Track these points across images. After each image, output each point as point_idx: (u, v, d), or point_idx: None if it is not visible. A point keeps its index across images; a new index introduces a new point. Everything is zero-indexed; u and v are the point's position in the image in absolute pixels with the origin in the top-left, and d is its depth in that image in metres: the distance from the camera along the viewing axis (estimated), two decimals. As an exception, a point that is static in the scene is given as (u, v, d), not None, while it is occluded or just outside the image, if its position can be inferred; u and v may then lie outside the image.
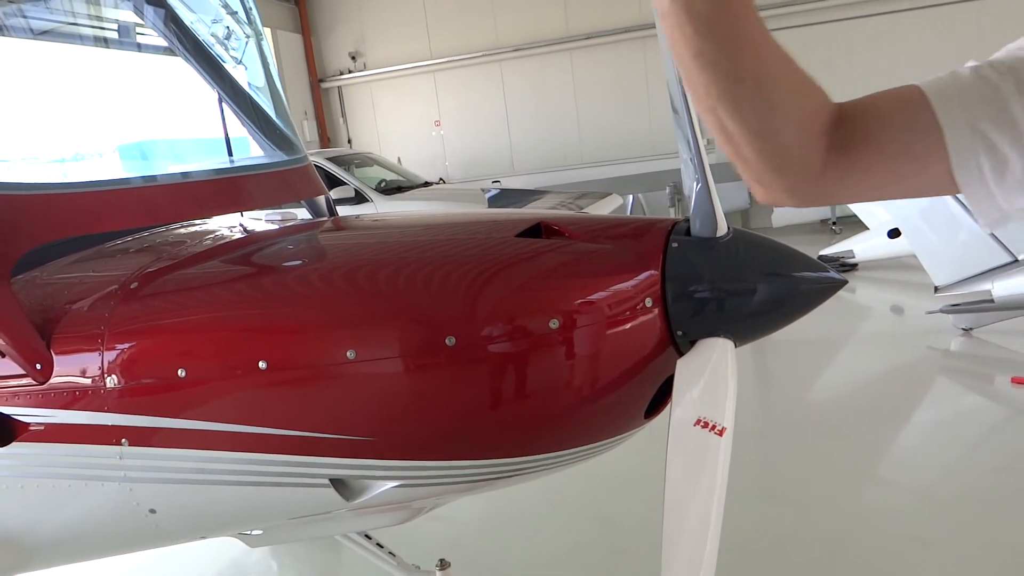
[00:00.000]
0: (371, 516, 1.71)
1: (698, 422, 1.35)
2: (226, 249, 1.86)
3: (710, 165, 1.42)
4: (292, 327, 1.50)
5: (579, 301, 1.40)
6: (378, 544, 2.26)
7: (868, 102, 0.85)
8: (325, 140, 15.01)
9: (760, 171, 0.83)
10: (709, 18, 0.73)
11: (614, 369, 1.43)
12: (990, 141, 0.79)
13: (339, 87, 15.18)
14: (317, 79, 15.04)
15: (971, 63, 0.83)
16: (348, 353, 1.41)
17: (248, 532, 1.88)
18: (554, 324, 1.37)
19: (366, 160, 9.86)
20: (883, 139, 0.83)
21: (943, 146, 0.80)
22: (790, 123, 0.80)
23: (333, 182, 8.25)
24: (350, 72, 14.90)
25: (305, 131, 14.19)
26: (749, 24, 0.75)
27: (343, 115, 15.29)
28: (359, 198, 8.30)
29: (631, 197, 9.42)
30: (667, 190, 9.39)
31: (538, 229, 1.57)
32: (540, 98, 13.61)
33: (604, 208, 7.47)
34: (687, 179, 1.42)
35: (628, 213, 9.06)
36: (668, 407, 1.46)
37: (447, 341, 1.38)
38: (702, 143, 1.48)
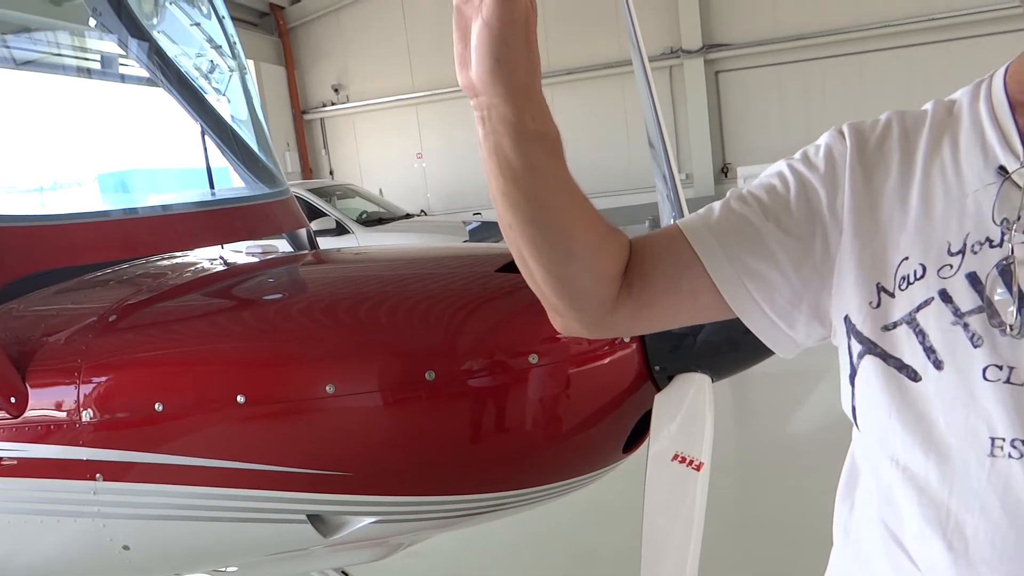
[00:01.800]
0: (348, 552, 1.70)
1: (676, 457, 1.36)
2: (206, 282, 1.85)
3: (687, 200, 1.44)
4: (271, 361, 1.49)
5: (558, 336, 1.41)
6: (355, 580, 2.23)
7: (644, 241, 0.88)
8: (307, 171, 15.04)
9: (556, 306, 0.86)
10: (517, 170, 0.74)
11: (593, 404, 1.44)
12: (750, 267, 0.81)
13: (322, 119, 15.26)
14: (300, 111, 15.12)
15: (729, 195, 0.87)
16: (327, 387, 1.41)
17: (223, 569, 1.85)
18: (533, 359, 1.38)
19: (347, 192, 9.88)
20: (656, 276, 0.85)
21: (709, 278, 0.82)
22: (588, 271, 0.82)
23: (314, 213, 8.25)
24: (333, 104, 15.00)
25: (287, 162, 14.23)
26: (556, 177, 0.77)
27: (325, 147, 15.35)
28: (340, 230, 8.31)
29: (610, 230, 9.47)
30: (646, 224, 9.48)
31: (518, 264, 1.59)
32: (521, 132, 13.75)
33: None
34: (664, 214, 1.45)
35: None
36: (646, 442, 1.47)
37: (427, 375, 1.38)
38: (678, 178, 1.51)
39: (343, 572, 2.19)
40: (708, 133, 13.21)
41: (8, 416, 1.59)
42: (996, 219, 0.68)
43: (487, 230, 8.20)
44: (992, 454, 0.64)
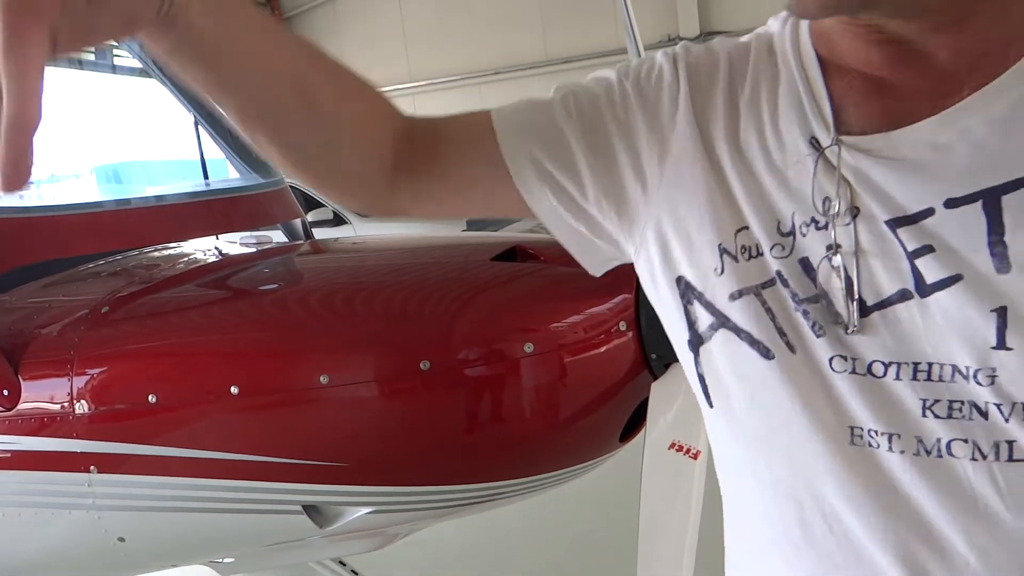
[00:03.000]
0: (345, 542, 1.70)
1: (672, 445, 1.36)
2: (199, 273, 1.84)
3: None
4: (265, 352, 1.48)
5: (554, 325, 1.40)
6: (353, 571, 2.23)
7: (441, 126, 0.81)
8: (304, 162, 15.00)
9: (327, 193, 0.79)
10: (214, 38, 0.63)
11: (589, 393, 1.43)
12: (547, 171, 0.75)
13: (318, 109, 15.22)
14: (296, 101, 15.07)
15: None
16: (321, 378, 1.40)
17: (220, 560, 1.85)
18: (529, 348, 1.37)
19: (344, 182, 9.84)
20: (452, 172, 0.80)
21: (513, 186, 0.76)
22: (348, 144, 0.75)
23: (311, 204, 8.23)
24: (329, 94, 14.95)
25: (283, 153, 14.19)
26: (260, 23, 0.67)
27: (322, 137, 15.32)
28: (337, 220, 8.29)
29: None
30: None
31: (513, 252, 1.58)
32: (519, 121, 13.74)
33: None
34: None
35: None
36: (643, 430, 1.47)
37: (422, 365, 1.37)
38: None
39: (340, 562, 2.19)
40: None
41: (1, 409, 1.58)
42: (816, 199, 0.63)
43: (484, 220, 8.18)
44: (852, 443, 0.60)
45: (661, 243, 0.72)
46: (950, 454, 0.57)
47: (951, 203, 0.57)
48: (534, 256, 1.56)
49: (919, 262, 0.58)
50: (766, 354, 0.64)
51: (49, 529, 1.63)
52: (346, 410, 1.43)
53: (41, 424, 1.58)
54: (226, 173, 2.52)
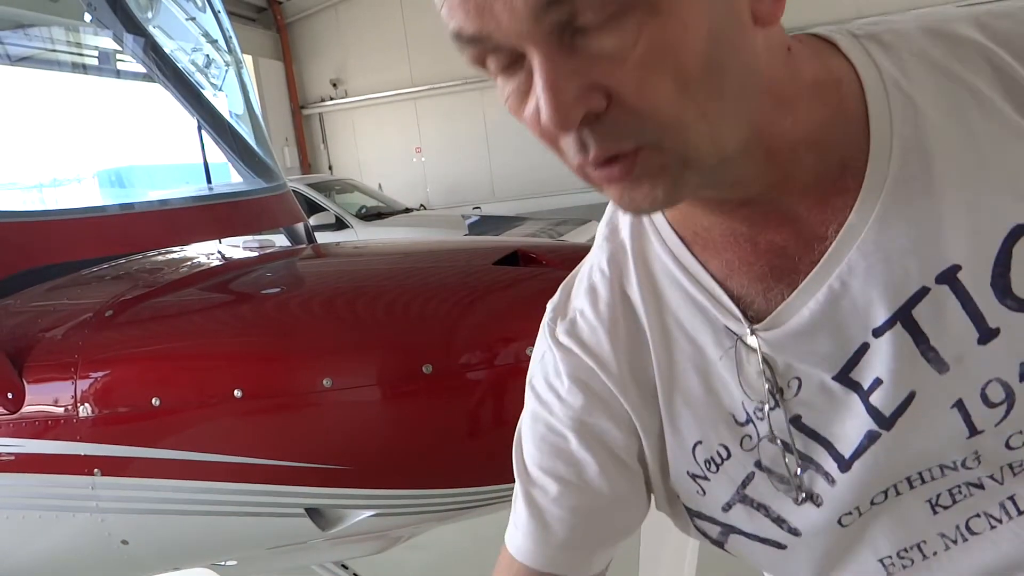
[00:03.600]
0: (347, 545, 1.70)
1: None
2: (202, 277, 1.85)
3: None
4: (268, 355, 1.49)
5: (556, 329, 1.40)
6: (355, 574, 2.23)
7: None
8: (306, 166, 15.04)
9: None
10: None
11: (590, 396, 1.44)
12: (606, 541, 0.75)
13: (320, 114, 15.25)
14: (298, 106, 15.11)
15: None
16: (324, 381, 1.40)
17: (222, 563, 1.86)
18: (530, 351, 1.37)
19: (347, 186, 9.88)
20: None
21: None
22: None
23: (313, 208, 8.24)
24: (331, 99, 14.99)
25: (286, 157, 14.23)
26: None
27: (324, 141, 15.35)
28: (339, 224, 8.30)
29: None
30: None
31: (515, 257, 1.59)
32: (520, 126, 13.69)
33: (584, 235, 7.52)
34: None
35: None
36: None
37: (424, 369, 1.38)
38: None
39: (343, 565, 2.19)
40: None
41: (5, 412, 1.59)
42: (755, 385, 0.63)
43: (486, 224, 8.19)
44: (889, 573, 0.64)
45: (657, 488, 0.73)
46: (972, 532, 0.61)
47: (877, 332, 0.59)
48: (536, 260, 1.57)
49: (873, 399, 0.60)
50: (778, 546, 0.67)
51: (53, 532, 1.63)
52: (349, 413, 1.44)
53: (45, 427, 1.58)
54: (228, 177, 2.54)
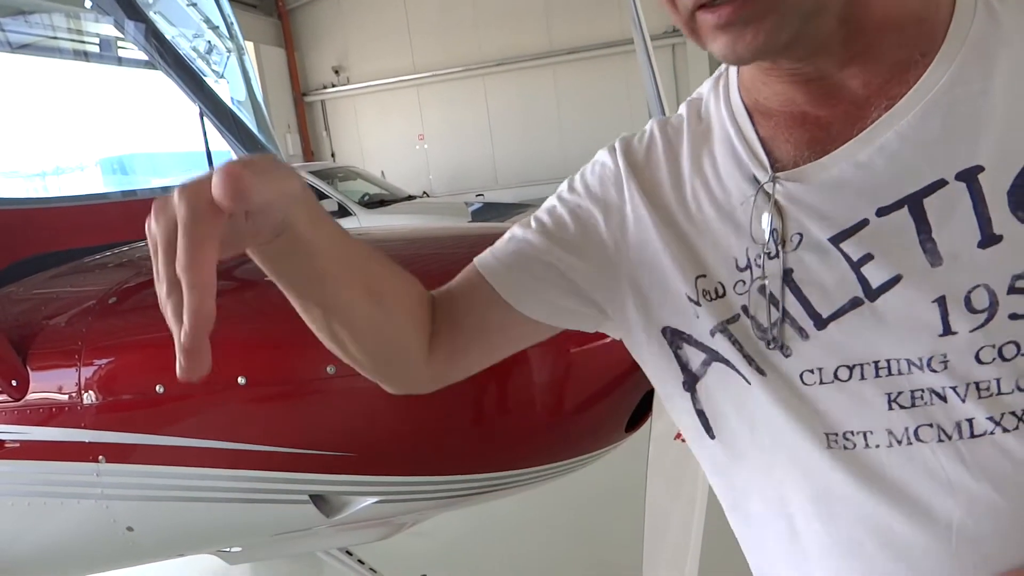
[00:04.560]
0: (352, 532, 1.70)
1: (678, 436, 1.36)
2: (206, 264, 1.85)
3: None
4: (272, 342, 1.49)
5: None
6: (359, 560, 2.24)
7: (446, 292, 0.88)
8: (308, 154, 15.01)
9: (383, 377, 0.89)
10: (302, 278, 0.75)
11: (595, 383, 1.43)
12: (537, 285, 0.83)
13: (322, 101, 15.22)
14: (300, 93, 15.08)
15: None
16: (328, 368, 1.40)
17: (227, 549, 1.86)
18: (535, 339, 1.37)
19: (349, 174, 9.87)
20: (465, 322, 0.86)
21: (514, 310, 0.83)
22: (408, 329, 0.83)
23: (316, 196, 8.23)
24: (333, 86, 14.95)
25: (288, 145, 14.19)
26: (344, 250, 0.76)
27: (326, 129, 15.32)
28: (342, 212, 8.30)
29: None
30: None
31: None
32: (523, 112, 13.69)
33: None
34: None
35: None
36: (648, 421, 1.47)
37: (427, 356, 1.38)
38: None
39: (347, 551, 2.20)
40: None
41: (10, 399, 1.59)
42: (763, 231, 0.69)
43: (490, 211, 8.18)
44: (829, 447, 0.66)
45: (640, 302, 0.79)
46: (919, 440, 0.62)
47: (881, 211, 0.64)
48: (540, 247, 1.56)
49: (864, 270, 0.64)
50: (747, 379, 0.70)
51: (58, 518, 1.64)
52: (353, 400, 1.44)
53: (49, 414, 1.59)
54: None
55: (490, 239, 1.62)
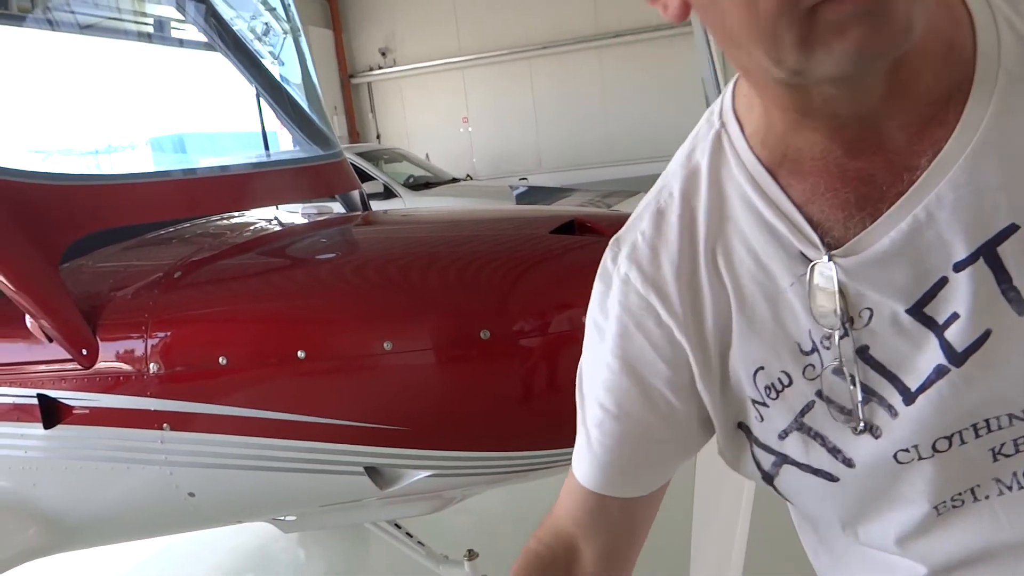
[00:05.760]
0: (403, 505, 1.75)
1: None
2: (266, 241, 1.90)
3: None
4: (331, 318, 1.53)
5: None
6: (407, 533, 2.29)
7: (594, 531, 0.83)
8: (354, 135, 15.11)
9: None
10: None
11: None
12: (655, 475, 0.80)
13: (369, 83, 15.28)
14: (347, 75, 15.15)
15: None
16: (385, 344, 1.44)
17: (282, 518, 1.92)
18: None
19: (395, 156, 9.92)
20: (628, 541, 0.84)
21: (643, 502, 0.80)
22: None
23: (362, 177, 8.26)
24: (380, 68, 15.00)
25: (335, 126, 14.29)
26: None
27: (372, 111, 15.39)
28: (388, 193, 8.36)
29: (659, 196, 9.37)
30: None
31: (572, 226, 1.60)
32: (568, 96, 13.61)
33: (633, 206, 7.44)
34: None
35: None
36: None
37: (482, 334, 1.41)
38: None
39: (396, 524, 2.25)
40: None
41: (80, 367, 1.66)
42: (825, 313, 0.63)
43: (533, 195, 8.17)
44: (940, 514, 0.64)
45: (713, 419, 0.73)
46: None
47: (958, 267, 0.58)
48: (592, 229, 1.58)
49: (948, 333, 0.59)
50: (830, 478, 0.66)
51: (123, 483, 1.71)
52: (408, 376, 1.47)
53: (117, 382, 1.65)
54: (277, 146, 2.58)
55: (543, 221, 1.65)
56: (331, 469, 1.56)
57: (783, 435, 0.68)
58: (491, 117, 14.37)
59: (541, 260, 1.51)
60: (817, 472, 0.67)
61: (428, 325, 1.47)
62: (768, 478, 0.71)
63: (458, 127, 14.61)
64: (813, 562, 0.81)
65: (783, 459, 0.69)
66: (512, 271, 1.48)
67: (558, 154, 13.70)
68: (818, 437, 0.66)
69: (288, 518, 1.92)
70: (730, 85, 0.71)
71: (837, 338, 0.63)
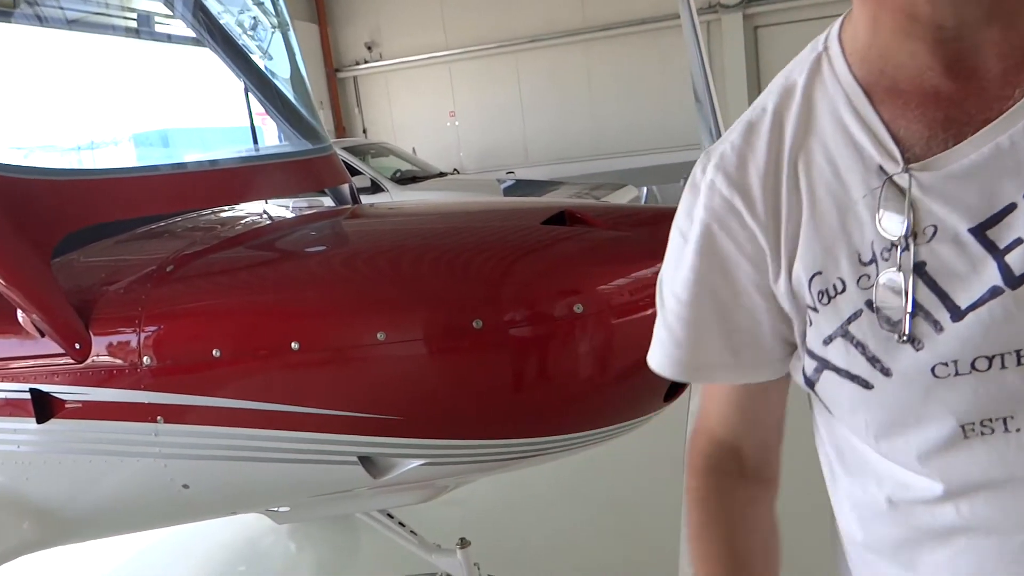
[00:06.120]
0: (396, 494, 1.77)
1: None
2: (258, 234, 1.91)
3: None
4: (324, 310, 1.54)
5: (603, 287, 1.44)
6: (400, 523, 2.31)
7: (740, 430, 0.90)
8: (341, 130, 15.04)
9: None
10: None
11: (635, 353, 1.47)
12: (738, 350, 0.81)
13: (355, 77, 15.22)
14: (333, 69, 15.09)
15: None
16: (378, 335, 1.46)
17: (276, 508, 1.93)
18: (579, 308, 1.41)
19: (381, 150, 9.90)
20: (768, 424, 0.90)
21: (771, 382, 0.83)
22: None
23: (349, 172, 8.27)
24: (366, 62, 14.94)
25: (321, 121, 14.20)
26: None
27: (359, 105, 15.34)
28: (375, 188, 8.35)
29: (645, 189, 9.42)
30: (680, 182, 9.35)
31: (562, 217, 1.62)
32: (555, 89, 13.60)
33: (620, 199, 7.50)
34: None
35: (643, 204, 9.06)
36: (687, 391, 1.50)
37: (474, 324, 1.42)
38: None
39: (388, 514, 2.27)
40: (746, 90, 12.99)
41: (73, 361, 1.66)
42: (893, 224, 0.66)
43: (521, 188, 8.19)
44: (966, 437, 0.65)
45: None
46: None
47: None
48: (583, 220, 1.60)
49: (1009, 257, 0.61)
50: (865, 385, 0.68)
51: (118, 475, 1.71)
52: (401, 366, 1.49)
53: (110, 376, 1.65)
54: (266, 140, 2.59)
55: (534, 212, 1.66)
56: (325, 459, 1.57)
57: (827, 340, 0.70)
58: (478, 111, 14.35)
59: (533, 250, 1.53)
60: (855, 379, 0.69)
61: (421, 315, 1.48)
62: (810, 383, 0.74)
63: (445, 121, 14.58)
64: (830, 487, 0.84)
65: (824, 364, 0.71)
66: (504, 261, 1.50)
67: (545, 148, 13.70)
68: (859, 346, 0.68)
69: (282, 509, 1.93)
70: (838, 21, 0.75)
71: (899, 252, 0.65)
